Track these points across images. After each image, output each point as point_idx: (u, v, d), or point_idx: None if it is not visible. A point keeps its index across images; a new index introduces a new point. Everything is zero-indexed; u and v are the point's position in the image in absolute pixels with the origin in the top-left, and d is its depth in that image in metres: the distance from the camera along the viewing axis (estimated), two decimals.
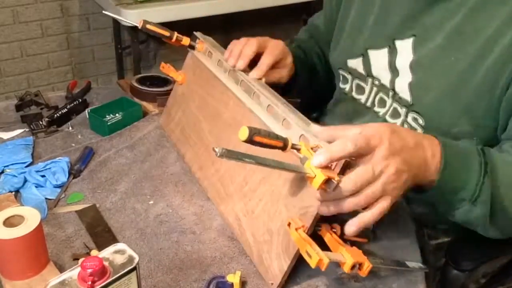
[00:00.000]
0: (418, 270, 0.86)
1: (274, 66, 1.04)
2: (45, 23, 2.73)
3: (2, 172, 1.05)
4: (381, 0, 1.03)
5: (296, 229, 0.76)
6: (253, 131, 0.71)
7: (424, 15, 0.93)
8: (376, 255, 0.88)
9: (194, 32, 1.14)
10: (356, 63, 1.08)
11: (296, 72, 1.13)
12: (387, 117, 1.02)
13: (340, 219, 0.83)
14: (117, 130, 1.20)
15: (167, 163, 1.11)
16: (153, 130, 1.21)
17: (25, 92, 1.31)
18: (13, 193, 0.98)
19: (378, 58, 1.02)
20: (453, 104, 0.89)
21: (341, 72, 1.14)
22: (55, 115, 1.21)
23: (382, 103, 1.03)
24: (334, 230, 0.81)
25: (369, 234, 0.93)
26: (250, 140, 0.71)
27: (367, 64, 1.06)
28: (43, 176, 1.03)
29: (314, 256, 0.71)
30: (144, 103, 1.31)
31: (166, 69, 1.18)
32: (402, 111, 0.98)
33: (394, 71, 0.99)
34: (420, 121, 0.95)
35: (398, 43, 0.98)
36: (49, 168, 1.04)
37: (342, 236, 0.81)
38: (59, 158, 1.08)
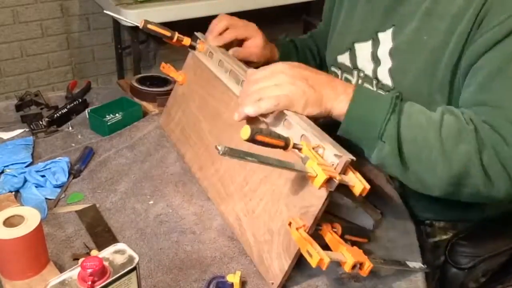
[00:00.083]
0: (418, 270, 0.86)
1: (243, 44, 1.13)
2: (45, 23, 2.73)
3: (2, 172, 1.04)
4: None
5: (297, 229, 0.76)
6: (255, 130, 0.71)
7: (402, 5, 0.98)
8: (377, 254, 0.88)
9: (195, 32, 1.15)
10: (344, 58, 1.12)
11: (280, 60, 1.19)
12: None
13: (341, 219, 0.84)
14: (117, 130, 1.20)
15: (167, 163, 1.11)
16: (153, 130, 1.21)
17: (25, 92, 1.31)
18: (13, 193, 0.98)
19: (363, 50, 1.06)
20: (429, 83, 0.92)
21: (332, 69, 1.17)
22: (55, 115, 1.21)
23: None
24: (334, 229, 0.81)
25: (369, 234, 0.93)
26: (252, 139, 0.71)
27: (353, 57, 1.10)
28: (43, 176, 1.03)
29: (315, 255, 0.71)
30: (144, 103, 1.31)
31: (167, 69, 1.18)
32: None
33: (376, 61, 1.03)
34: None
35: (380, 35, 1.02)
36: (49, 168, 1.04)
37: (343, 236, 0.81)
38: (59, 158, 1.08)
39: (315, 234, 0.78)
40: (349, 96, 0.83)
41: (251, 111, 0.84)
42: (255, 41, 1.13)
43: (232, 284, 0.80)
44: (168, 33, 1.09)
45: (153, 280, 0.82)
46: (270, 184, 0.85)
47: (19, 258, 0.76)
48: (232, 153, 0.65)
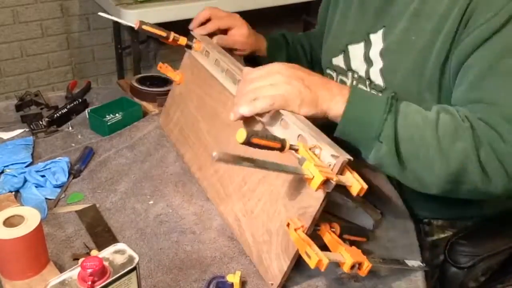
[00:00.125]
0: (417, 269, 0.86)
1: (227, 33, 1.15)
2: (45, 23, 2.73)
3: (2, 172, 1.05)
4: None
5: (295, 230, 0.76)
6: (251, 133, 0.71)
7: (391, 5, 0.99)
8: (376, 254, 0.88)
9: (191, 32, 1.14)
10: (338, 60, 1.13)
11: (268, 51, 1.22)
12: None
13: (339, 218, 0.84)
14: (117, 130, 1.20)
15: (167, 163, 1.11)
16: (153, 130, 1.21)
17: (25, 92, 1.31)
18: (13, 193, 0.98)
19: (356, 52, 1.07)
20: (418, 82, 0.93)
21: (328, 71, 1.18)
22: (55, 115, 1.21)
23: None
24: (333, 229, 0.81)
25: (368, 233, 0.93)
26: (247, 142, 0.71)
27: (347, 59, 1.11)
28: (43, 176, 1.03)
29: (314, 256, 0.71)
30: (144, 103, 1.31)
31: (164, 69, 1.18)
32: None
33: (368, 62, 1.04)
34: None
35: (372, 36, 1.03)
36: (49, 168, 1.04)
37: (341, 235, 0.81)
38: (59, 158, 1.08)
39: (314, 234, 0.78)
40: (345, 97, 0.83)
41: (246, 110, 0.84)
42: (240, 30, 1.16)
43: (232, 284, 0.80)
44: (163, 33, 1.09)
45: (153, 280, 0.82)
46: (268, 185, 0.85)
47: (19, 258, 0.76)
48: (227, 158, 0.64)
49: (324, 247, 0.76)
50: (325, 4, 1.24)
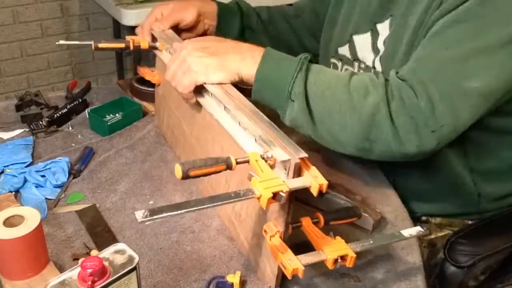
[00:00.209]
0: (415, 237, 0.85)
1: (198, 19, 1.17)
2: (45, 23, 2.73)
3: (2, 172, 1.05)
4: None
5: (271, 237, 0.74)
6: (187, 167, 0.68)
7: None
8: (366, 239, 0.86)
9: (152, 31, 1.13)
10: (344, 50, 1.13)
11: (219, 18, 1.22)
12: None
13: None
14: (117, 130, 1.20)
15: (167, 163, 1.11)
16: (153, 129, 1.21)
17: (25, 92, 1.31)
18: (13, 193, 0.98)
19: (363, 42, 1.07)
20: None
21: (332, 60, 1.18)
22: (55, 115, 1.21)
23: None
24: (316, 220, 0.79)
25: (358, 211, 0.89)
26: (186, 177, 0.69)
27: (353, 49, 1.11)
28: (43, 176, 1.03)
29: (288, 267, 0.70)
30: (144, 103, 1.31)
31: (142, 72, 1.19)
32: None
33: (376, 51, 1.04)
34: None
35: (378, 26, 1.03)
36: (49, 168, 1.04)
37: (327, 223, 0.79)
38: (59, 158, 1.08)
39: (297, 232, 0.77)
40: (256, 58, 0.86)
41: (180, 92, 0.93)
42: (187, 19, 1.15)
43: (232, 284, 0.80)
44: (122, 45, 1.10)
45: (153, 280, 0.82)
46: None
47: (19, 258, 0.76)
48: (154, 215, 0.61)
49: (309, 243, 0.75)
50: None
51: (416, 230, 0.84)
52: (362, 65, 1.09)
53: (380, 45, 1.03)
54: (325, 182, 0.70)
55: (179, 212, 0.63)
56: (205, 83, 0.90)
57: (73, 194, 1.01)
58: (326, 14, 1.22)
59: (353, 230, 0.93)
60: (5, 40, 2.66)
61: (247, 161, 0.73)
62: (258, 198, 0.67)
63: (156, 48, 1.12)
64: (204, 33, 1.19)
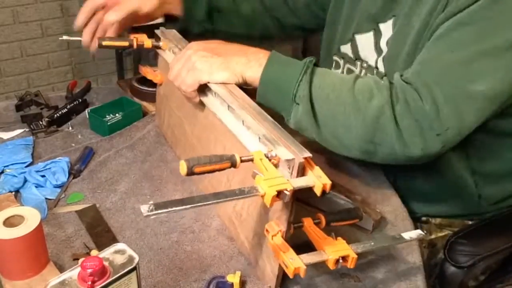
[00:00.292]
0: (415, 240, 0.85)
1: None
2: (45, 23, 2.73)
3: (2, 172, 1.05)
4: None
5: (273, 236, 0.74)
6: (192, 163, 0.68)
7: None
8: (367, 240, 0.86)
9: (156, 30, 1.13)
10: (346, 48, 1.13)
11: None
12: None
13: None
14: (117, 130, 1.20)
15: (167, 163, 1.11)
16: (153, 129, 1.21)
17: (25, 92, 1.31)
18: (13, 193, 0.98)
19: (365, 41, 1.07)
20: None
21: (335, 58, 1.17)
22: (55, 115, 1.21)
23: None
24: (317, 221, 0.79)
25: (359, 212, 0.90)
26: (191, 173, 0.69)
27: (355, 48, 1.11)
28: (43, 176, 1.03)
29: (290, 266, 0.71)
30: (144, 103, 1.31)
31: (144, 71, 1.18)
32: None
33: (379, 51, 1.04)
34: None
35: (381, 25, 1.03)
36: (49, 168, 1.04)
37: (328, 224, 0.79)
38: (59, 158, 1.08)
39: (298, 232, 0.77)
40: (260, 61, 0.86)
41: (183, 90, 0.94)
42: (147, 7, 1.09)
43: (232, 284, 0.80)
44: (125, 43, 1.08)
45: (153, 280, 0.82)
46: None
47: (19, 258, 0.76)
48: (159, 209, 0.61)
49: (310, 244, 0.75)
50: None
51: (417, 233, 0.85)
52: (364, 65, 1.08)
53: (383, 45, 1.02)
54: (328, 182, 0.70)
55: (183, 207, 0.64)
56: (208, 82, 0.90)
57: (73, 194, 1.01)
58: None
59: (353, 230, 0.93)
60: (5, 40, 2.66)
61: (252, 160, 0.73)
62: (262, 196, 0.67)
63: (159, 48, 1.11)
64: (166, 15, 1.16)
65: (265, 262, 0.81)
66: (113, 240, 0.90)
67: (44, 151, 1.13)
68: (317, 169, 0.71)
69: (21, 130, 1.19)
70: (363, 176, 1.08)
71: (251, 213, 0.84)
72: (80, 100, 1.28)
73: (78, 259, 0.84)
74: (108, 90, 1.42)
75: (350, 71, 1.13)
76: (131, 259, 0.67)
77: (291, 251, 0.73)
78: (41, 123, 1.20)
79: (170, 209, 0.63)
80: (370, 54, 1.06)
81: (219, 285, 0.80)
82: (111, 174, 1.07)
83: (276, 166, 0.74)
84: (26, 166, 1.06)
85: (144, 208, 0.61)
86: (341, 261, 0.74)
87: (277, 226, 0.75)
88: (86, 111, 1.26)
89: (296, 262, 0.71)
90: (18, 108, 1.26)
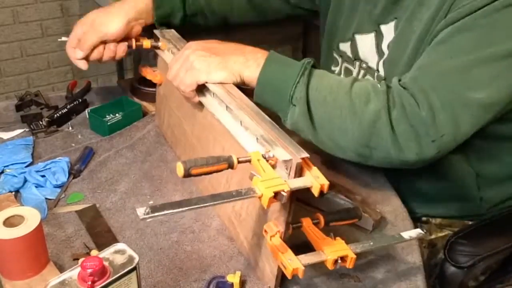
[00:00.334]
0: (414, 239, 0.85)
1: (129, 25, 1.10)
2: (45, 23, 2.73)
3: (2, 172, 1.05)
4: None
5: (271, 237, 0.74)
6: (189, 165, 0.68)
7: None
8: (366, 240, 0.86)
9: (154, 31, 1.13)
10: (346, 47, 1.13)
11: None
12: None
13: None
14: (117, 130, 1.20)
15: (167, 163, 1.11)
16: (153, 129, 1.21)
17: (25, 92, 1.31)
18: (13, 193, 0.98)
19: (366, 42, 1.07)
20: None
21: (334, 54, 1.17)
22: (55, 115, 1.21)
23: None
24: (316, 221, 0.79)
25: (359, 212, 0.89)
26: (188, 175, 0.69)
27: (354, 48, 1.10)
28: (43, 176, 1.03)
29: (288, 266, 0.70)
30: (144, 103, 1.31)
31: (144, 72, 1.18)
32: None
33: (380, 54, 1.03)
34: None
35: (383, 27, 1.02)
36: (49, 168, 1.04)
37: (327, 224, 0.79)
38: (59, 158, 1.08)
39: (297, 232, 0.77)
40: (258, 61, 0.86)
41: (182, 90, 0.94)
42: (111, 31, 1.08)
43: (232, 284, 0.80)
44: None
45: (153, 280, 0.82)
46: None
47: (19, 258, 0.76)
48: (156, 212, 0.61)
49: (309, 244, 0.75)
50: None
51: (416, 232, 0.84)
52: (364, 65, 1.08)
53: (385, 48, 1.02)
54: (326, 183, 0.69)
55: (180, 209, 0.64)
56: (206, 82, 0.90)
57: (73, 194, 1.01)
58: None
59: (353, 230, 0.93)
60: (5, 40, 2.66)
61: (249, 161, 0.73)
62: (260, 197, 0.67)
63: (158, 48, 1.12)
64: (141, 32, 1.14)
65: (264, 262, 0.81)
66: (113, 240, 0.90)
67: (44, 151, 1.13)
68: (314, 169, 0.71)
69: (21, 130, 1.20)
70: (363, 176, 1.08)
71: (250, 213, 0.84)
72: (80, 100, 1.28)
73: (78, 259, 0.84)
74: (108, 90, 1.42)
75: (347, 70, 1.12)
76: (131, 259, 0.67)
77: (290, 251, 0.73)
78: (41, 123, 1.20)
79: (166, 212, 0.63)
80: (371, 55, 1.06)
81: (219, 285, 0.80)
82: (111, 174, 1.07)
83: (273, 166, 0.74)
84: (26, 166, 1.06)
85: (140, 211, 0.61)
86: (339, 261, 0.74)
87: (275, 226, 0.75)
88: (86, 111, 1.26)
89: (294, 263, 0.71)
90: (18, 108, 1.26)
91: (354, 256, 0.75)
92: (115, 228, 0.93)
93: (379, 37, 1.03)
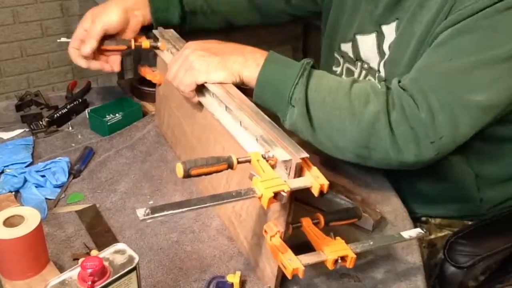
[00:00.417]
0: (415, 239, 0.86)
1: (127, 16, 1.10)
2: (45, 23, 2.73)
3: (2, 172, 1.05)
4: None
5: (271, 237, 0.74)
6: (188, 166, 0.68)
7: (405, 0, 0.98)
8: (366, 239, 0.86)
9: (153, 31, 1.13)
10: (347, 47, 1.13)
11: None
12: None
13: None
14: (117, 130, 1.20)
15: (167, 162, 1.11)
16: (153, 129, 1.21)
17: (25, 92, 1.31)
18: (13, 193, 0.98)
19: (367, 43, 1.06)
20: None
21: (335, 54, 1.17)
22: (55, 115, 1.21)
23: None
24: (316, 221, 0.79)
25: (359, 212, 0.90)
26: (188, 176, 0.69)
27: (355, 49, 1.10)
28: (43, 176, 1.03)
29: (288, 267, 0.70)
30: (144, 103, 1.31)
31: (143, 72, 1.18)
32: None
33: (382, 54, 1.03)
34: None
35: (384, 28, 1.02)
36: (49, 168, 1.05)
37: (327, 224, 0.79)
38: (59, 158, 1.08)
39: (297, 232, 0.77)
40: (258, 61, 0.86)
41: (182, 91, 0.94)
42: (113, 22, 1.08)
43: (232, 284, 0.80)
44: (124, 47, 1.10)
45: (153, 280, 0.82)
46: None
47: (19, 258, 0.76)
48: (155, 213, 0.61)
49: (309, 243, 0.75)
50: None
51: (416, 231, 0.84)
52: (365, 66, 1.08)
53: (386, 48, 1.02)
54: (326, 183, 0.69)
55: (180, 210, 0.63)
56: (206, 82, 0.90)
57: (73, 194, 1.01)
58: None
59: (353, 230, 0.93)
60: (5, 40, 2.66)
61: (249, 161, 0.73)
62: (259, 198, 0.67)
63: (157, 48, 1.11)
64: (142, 25, 1.13)
65: (264, 262, 0.81)
66: (113, 240, 0.90)
67: (44, 151, 1.13)
68: (314, 169, 0.71)
69: (21, 130, 1.20)
70: (363, 176, 1.08)
71: (250, 213, 0.84)
72: (80, 100, 1.28)
73: (78, 259, 0.84)
74: (108, 90, 1.42)
75: (349, 71, 1.12)
76: (131, 259, 0.67)
77: (290, 252, 0.73)
78: (41, 123, 1.20)
79: (166, 213, 0.63)
80: (372, 56, 1.06)
81: (219, 285, 0.81)
82: (111, 174, 1.07)
83: (273, 167, 0.74)
84: (26, 166, 1.06)
85: (140, 212, 0.61)
86: (339, 261, 0.74)
87: (275, 226, 0.75)
88: (86, 111, 1.26)
89: (294, 263, 0.71)
90: (18, 108, 1.26)
91: (354, 256, 0.75)
92: (115, 228, 0.93)
93: (380, 37, 1.03)
